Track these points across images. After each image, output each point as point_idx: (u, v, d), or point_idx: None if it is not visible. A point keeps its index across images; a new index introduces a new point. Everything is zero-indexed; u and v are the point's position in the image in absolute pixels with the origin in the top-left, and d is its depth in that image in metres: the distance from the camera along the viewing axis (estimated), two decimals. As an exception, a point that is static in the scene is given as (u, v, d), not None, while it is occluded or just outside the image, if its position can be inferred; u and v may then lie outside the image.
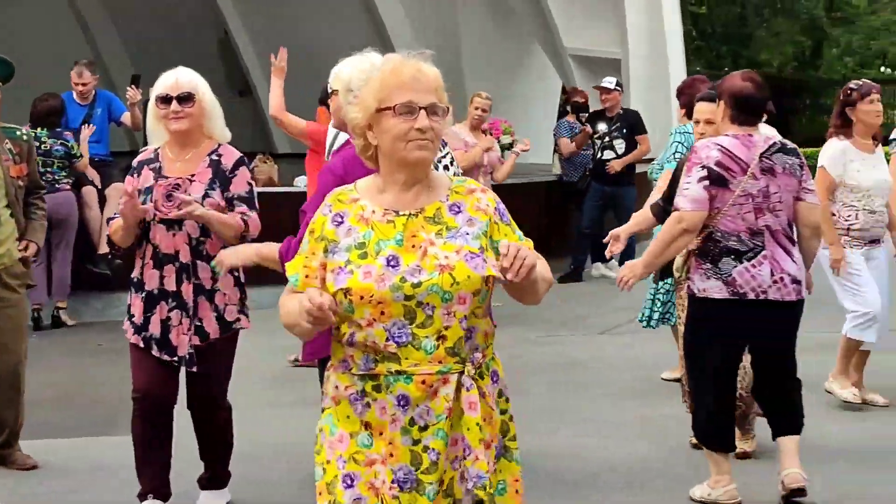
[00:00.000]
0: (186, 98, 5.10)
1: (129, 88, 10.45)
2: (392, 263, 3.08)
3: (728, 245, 5.31)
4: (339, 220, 3.17)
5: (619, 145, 12.24)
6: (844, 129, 7.00)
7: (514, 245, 3.04)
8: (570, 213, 12.69)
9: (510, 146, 13.28)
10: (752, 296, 5.29)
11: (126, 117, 10.71)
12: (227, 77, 18.97)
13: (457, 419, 3.11)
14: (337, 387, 3.17)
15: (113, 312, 9.42)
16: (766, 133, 8.41)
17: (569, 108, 13.17)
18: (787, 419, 5.53)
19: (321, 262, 3.15)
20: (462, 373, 3.11)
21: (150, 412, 5.18)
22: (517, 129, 13.54)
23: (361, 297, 3.06)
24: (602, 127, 12.35)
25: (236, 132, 12.76)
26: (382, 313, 3.06)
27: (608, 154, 12.28)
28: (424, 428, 3.09)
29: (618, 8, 14.23)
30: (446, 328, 3.08)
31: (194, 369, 5.11)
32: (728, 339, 5.40)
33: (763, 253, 5.30)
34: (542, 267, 3.21)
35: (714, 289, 5.32)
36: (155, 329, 5.09)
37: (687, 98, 7.11)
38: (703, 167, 5.27)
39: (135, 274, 5.18)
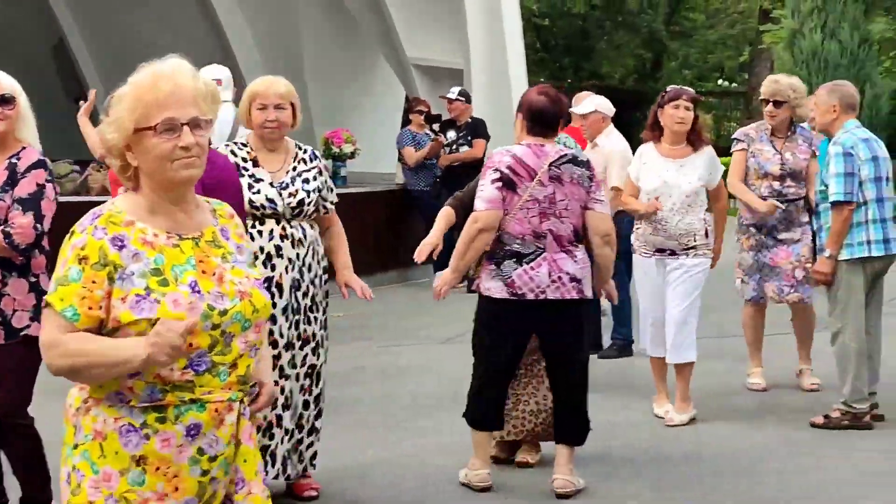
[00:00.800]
0: (8, 100, 4.94)
1: None
2: (196, 290, 2.89)
3: (512, 248, 5.62)
4: (120, 243, 2.88)
5: (464, 150, 12.62)
6: (654, 132, 7.13)
7: None
8: (414, 222, 12.70)
9: (352, 155, 13.26)
10: (531, 296, 5.59)
11: None
12: (63, 85, 18.52)
13: (238, 449, 2.99)
14: (105, 421, 2.89)
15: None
16: (611, 145, 8.55)
17: (422, 118, 13.28)
18: (567, 428, 5.78)
19: (106, 290, 2.85)
20: (242, 401, 2.99)
21: None
22: (360, 138, 13.52)
23: None
24: (451, 135, 12.73)
25: (74, 140, 12.46)
26: (190, 344, 2.84)
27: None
28: (214, 458, 2.94)
29: (459, 19, 14.31)
30: (240, 356, 2.95)
31: None
32: (509, 336, 5.71)
33: (543, 255, 5.60)
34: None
35: (496, 289, 5.63)
36: None
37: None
38: (496, 170, 5.60)
39: None
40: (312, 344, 5.59)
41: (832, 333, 7.00)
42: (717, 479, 6.10)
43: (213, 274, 2.94)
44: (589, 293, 5.72)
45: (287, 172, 5.57)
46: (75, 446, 2.93)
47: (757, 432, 7.00)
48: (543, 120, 5.71)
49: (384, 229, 12.78)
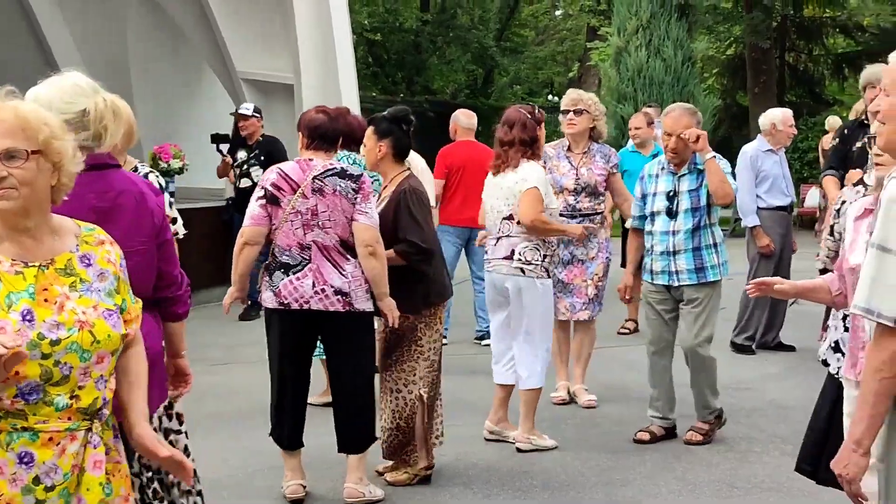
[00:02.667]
0: None
1: None
2: (28, 318, 2.85)
3: (282, 260, 5.81)
4: None
5: (257, 173, 11.89)
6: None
7: None
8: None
9: (180, 171, 13.04)
10: (295, 306, 5.77)
11: None
12: None
13: (81, 478, 2.95)
14: None
15: None
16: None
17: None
18: (346, 437, 5.95)
19: None
20: (90, 430, 2.95)
21: None
22: (189, 154, 13.32)
23: None
24: (241, 155, 12.14)
25: None
26: (17, 373, 2.81)
27: (245, 182, 11.96)
28: (51, 488, 2.89)
29: (289, 32, 14.24)
30: (80, 388, 2.92)
31: None
32: (286, 346, 5.89)
33: (309, 266, 5.77)
34: None
35: (268, 299, 5.85)
36: None
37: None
38: (262, 188, 5.85)
39: None
40: None
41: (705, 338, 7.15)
42: (548, 492, 6.20)
43: (55, 303, 2.90)
44: (362, 306, 5.78)
45: None
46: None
47: (583, 449, 7.15)
48: (319, 135, 5.93)
49: (216, 245, 12.60)
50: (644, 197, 7.24)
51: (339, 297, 5.74)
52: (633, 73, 19.64)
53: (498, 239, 7.02)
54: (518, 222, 6.91)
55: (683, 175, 7.09)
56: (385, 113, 6.42)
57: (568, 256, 8.04)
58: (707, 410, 7.23)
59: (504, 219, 6.98)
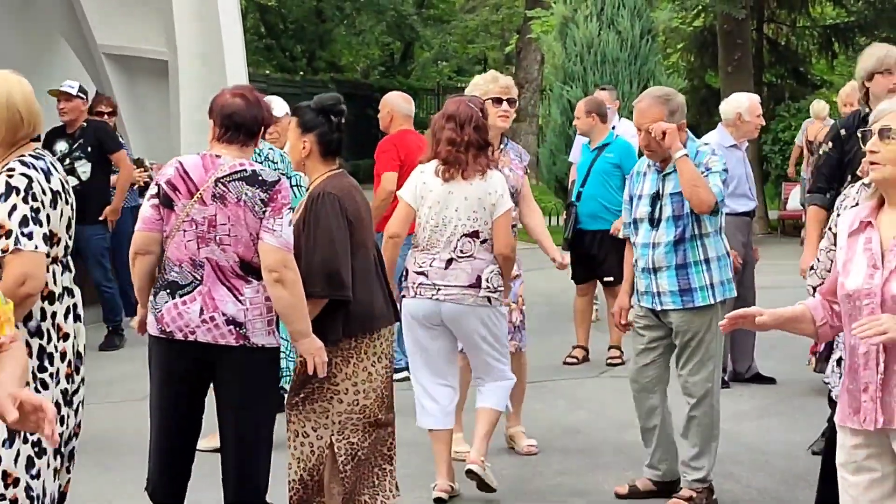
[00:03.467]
0: None
1: None
2: None
3: (169, 277, 5.69)
4: None
5: (83, 168, 11.72)
6: None
7: None
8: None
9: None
10: (179, 335, 5.64)
11: None
12: None
13: None
14: None
15: None
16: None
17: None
18: (231, 487, 5.83)
19: None
20: None
21: None
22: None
23: None
24: (61, 146, 11.73)
25: None
26: None
27: (72, 181, 11.69)
28: None
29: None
30: None
31: None
32: (169, 381, 5.77)
33: (199, 288, 5.64)
34: None
35: (150, 324, 5.76)
36: None
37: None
38: (156, 184, 5.73)
39: None
40: None
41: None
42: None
43: None
44: (260, 341, 5.67)
45: None
46: None
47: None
48: (234, 125, 5.75)
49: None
50: (631, 199, 7.22)
51: (231, 327, 5.61)
52: (581, 49, 19.74)
53: (450, 261, 7.04)
54: (484, 243, 7.00)
55: (669, 174, 7.01)
56: (311, 102, 6.33)
57: None
58: (695, 473, 7.05)
59: (465, 236, 7.02)
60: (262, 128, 5.88)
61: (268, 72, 33.08)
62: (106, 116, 12.76)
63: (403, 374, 8.94)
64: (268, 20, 35.87)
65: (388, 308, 6.31)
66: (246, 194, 5.60)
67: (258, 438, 5.84)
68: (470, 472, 7.08)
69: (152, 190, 5.74)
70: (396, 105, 10.30)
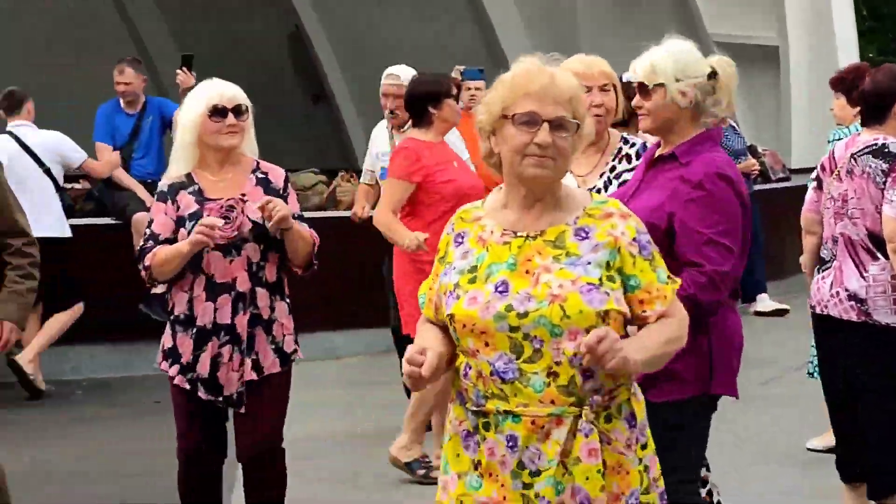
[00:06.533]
0: (242, 111, 5.34)
1: (179, 72, 10.16)
2: (501, 289, 3.31)
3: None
4: (460, 240, 3.46)
5: None
6: None
7: (605, 337, 3.16)
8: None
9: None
10: (817, 309, 5.79)
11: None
12: (298, 79, 18.86)
13: (574, 467, 3.28)
14: (451, 421, 3.44)
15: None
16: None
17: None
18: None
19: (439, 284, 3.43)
20: (579, 416, 3.23)
21: (197, 469, 5.45)
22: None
23: (464, 325, 3.33)
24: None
25: (310, 145, 12.68)
26: (486, 344, 3.30)
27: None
28: (536, 473, 3.29)
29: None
30: (557, 364, 3.28)
31: (242, 410, 5.32)
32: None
33: (833, 263, 5.72)
34: None
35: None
36: (203, 369, 5.30)
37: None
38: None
39: (180, 310, 5.37)
40: None
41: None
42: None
43: (533, 275, 3.32)
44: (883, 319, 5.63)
45: None
46: (441, 445, 3.54)
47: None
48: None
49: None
50: None
51: (852, 303, 5.69)
52: None
53: None
54: None
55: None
56: None
57: None
58: None
59: None
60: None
61: (871, 54, 32.29)
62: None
63: None
64: (870, 2, 35.08)
65: None
66: (869, 166, 5.66)
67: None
68: None
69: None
70: None
